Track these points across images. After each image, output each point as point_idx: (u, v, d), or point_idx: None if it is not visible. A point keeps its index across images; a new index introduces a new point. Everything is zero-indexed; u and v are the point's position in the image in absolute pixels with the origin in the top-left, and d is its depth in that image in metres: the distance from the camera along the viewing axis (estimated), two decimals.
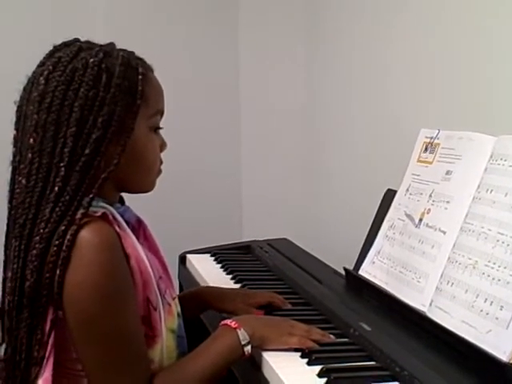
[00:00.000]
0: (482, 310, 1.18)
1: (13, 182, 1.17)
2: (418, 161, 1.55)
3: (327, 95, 2.51)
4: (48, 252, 1.09)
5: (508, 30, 1.54)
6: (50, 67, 1.15)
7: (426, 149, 1.53)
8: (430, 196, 1.45)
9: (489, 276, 1.20)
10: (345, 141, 2.36)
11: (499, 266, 1.18)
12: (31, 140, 1.13)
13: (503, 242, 1.19)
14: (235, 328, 1.21)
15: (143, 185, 1.26)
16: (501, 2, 1.57)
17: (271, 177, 2.81)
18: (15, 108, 1.20)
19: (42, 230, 1.10)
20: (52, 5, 2.60)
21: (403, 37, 1.99)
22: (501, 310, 1.14)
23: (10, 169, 1.19)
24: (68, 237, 1.08)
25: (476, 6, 1.65)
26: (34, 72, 1.19)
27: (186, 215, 2.75)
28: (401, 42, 2.00)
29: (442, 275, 1.33)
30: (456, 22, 1.73)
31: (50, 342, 1.10)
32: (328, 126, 2.50)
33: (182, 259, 2.00)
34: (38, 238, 1.10)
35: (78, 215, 1.10)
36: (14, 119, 1.20)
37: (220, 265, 1.89)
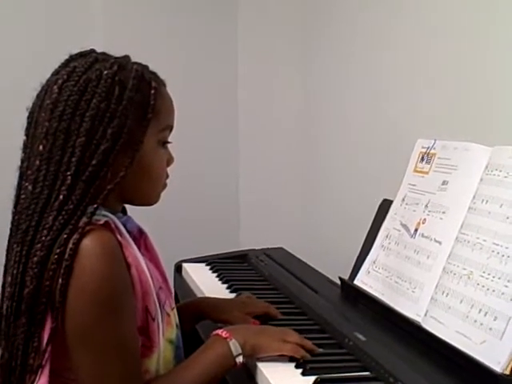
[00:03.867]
0: (476, 321, 1.18)
1: (19, 188, 1.18)
2: (415, 171, 1.55)
3: (324, 104, 2.52)
4: (49, 259, 1.09)
5: (505, 39, 1.55)
6: (65, 76, 1.16)
7: (422, 159, 1.54)
8: (426, 206, 1.45)
9: (483, 287, 1.20)
10: (341, 150, 2.37)
11: (494, 277, 1.18)
12: (40, 147, 1.14)
13: (498, 253, 1.19)
14: (226, 338, 1.21)
15: (148, 198, 1.26)
16: (499, 11, 1.58)
17: (268, 186, 2.81)
18: (26, 114, 1.20)
19: (44, 238, 1.10)
20: (50, 9, 2.61)
21: (400, 46, 1.99)
22: (495, 320, 1.14)
23: (17, 174, 1.19)
24: (70, 245, 1.08)
25: (473, 15, 1.66)
26: (48, 80, 1.20)
27: (183, 223, 2.74)
28: (398, 50, 2.00)
29: (437, 285, 1.32)
30: (453, 31, 1.74)
31: (48, 350, 1.09)
32: (325, 136, 2.51)
33: (178, 268, 2.00)
34: (39, 245, 1.10)
35: (81, 223, 1.10)
36: (25, 125, 1.20)
37: (216, 274, 1.88)
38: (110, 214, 1.17)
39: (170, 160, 1.27)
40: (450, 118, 1.74)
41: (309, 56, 2.62)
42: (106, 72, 1.16)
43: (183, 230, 2.72)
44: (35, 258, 1.10)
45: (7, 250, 1.18)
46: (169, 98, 1.25)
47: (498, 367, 1.10)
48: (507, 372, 1.09)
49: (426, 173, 1.51)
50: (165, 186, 1.27)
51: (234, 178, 2.88)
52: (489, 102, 1.61)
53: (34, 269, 1.10)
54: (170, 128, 1.25)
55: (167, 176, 1.27)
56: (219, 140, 2.86)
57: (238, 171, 2.89)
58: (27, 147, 1.18)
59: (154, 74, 1.24)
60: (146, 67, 1.23)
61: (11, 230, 1.18)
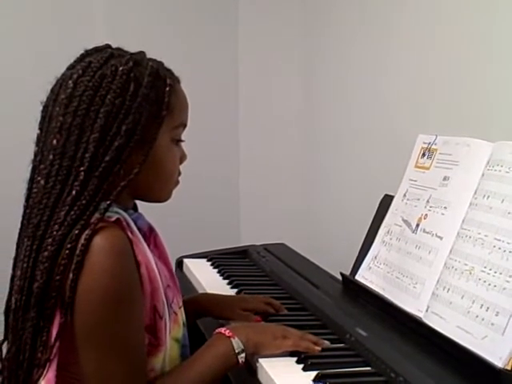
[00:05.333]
0: (477, 316, 1.18)
1: (31, 182, 1.17)
2: (416, 166, 1.55)
3: (325, 100, 2.51)
4: (59, 254, 1.09)
5: (506, 35, 1.54)
6: (80, 71, 1.16)
7: (423, 154, 1.53)
8: (427, 201, 1.45)
9: (485, 282, 1.20)
10: (342, 146, 2.36)
11: (495, 272, 1.18)
12: (54, 141, 1.14)
13: (499, 248, 1.19)
14: (229, 336, 1.21)
15: (160, 194, 1.26)
16: (500, 7, 1.57)
17: (269, 181, 2.81)
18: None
19: (55, 232, 1.10)
20: (52, 6, 2.61)
21: (401, 42, 1.99)
22: (496, 315, 1.14)
23: (30, 167, 1.19)
24: (82, 241, 1.08)
25: (475, 11, 1.66)
26: (63, 74, 1.20)
27: (183, 219, 2.74)
28: (398, 47, 2.00)
29: (438, 281, 1.32)
30: (454, 27, 1.73)
31: (57, 345, 1.09)
32: (326, 132, 2.50)
33: (179, 264, 2.00)
34: (50, 239, 1.10)
35: (93, 219, 1.10)
36: (39, 119, 1.20)
37: (217, 269, 1.88)
38: (121, 211, 1.17)
39: (182, 157, 1.27)
40: (452, 113, 1.74)
41: (309, 53, 2.62)
42: (121, 68, 1.15)
43: (184, 226, 2.72)
44: (46, 253, 1.10)
45: (17, 244, 1.18)
46: (183, 95, 1.25)
47: (499, 362, 1.10)
48: (508, 367, 1.09)
49: (428, 168, 1.50)
50: (177, 183, 1.28)
51: (234, 174, 2.88)
52: (490, 98, 1.60)
53: (45, 263, 1.10)
54: (184, 125, 1.26)
55: (179, 173, 1.27)
56: (220, 136, 2.86)
57: (239, 167, 2.88)
58: (41, 141, 1.18)
59: (169, 70, 1.23)
60: (161, 64, 1.22)
61: (22, 223, 1.18)
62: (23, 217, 1.17)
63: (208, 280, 1.77)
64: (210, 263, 1.96)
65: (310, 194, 2.63)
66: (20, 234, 1.18)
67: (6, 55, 2.51)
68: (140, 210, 1.32)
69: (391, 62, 2.04)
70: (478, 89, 1.64)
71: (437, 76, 1.80)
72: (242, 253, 2.07)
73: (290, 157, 2.74)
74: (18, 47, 2.53)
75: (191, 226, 2.74)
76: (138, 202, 1.28)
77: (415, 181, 1.53)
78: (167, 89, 1.18)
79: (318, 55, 2.56)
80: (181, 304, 1.29)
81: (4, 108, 2.50)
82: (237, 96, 2.85)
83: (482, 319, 1.17)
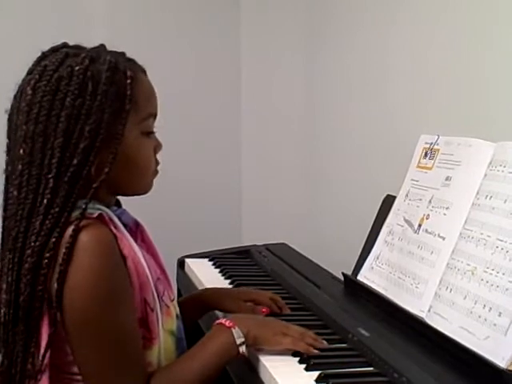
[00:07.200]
0: (480, 317, 1.18)
1: (6, 192, 1.16)
2: (418, 166, 1.55)
3: (327, 101, 2.51)
4: (41, 265, 1.09)
5: (507, 34, 1.54)
6: (37, 76, 1.14)
7: (425, 154, 1.53)
8: (430, 202, 1.45)
9: (487, 282, 1.19)
10: (344, 146, 2.36)
11: (498, 273, 1.18)
12: (21, 151, 1.12)
13: (502, 249, 1.19)
14: (230, 327, 1.21)
15: (138, 187, 1.25)
16: (500, 7, 1.57)
17: (270, 181, 2.81)
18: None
19: (33, 244, 1.10)
20: (52, 6, 2.61)
21: (402, 42, 1.99)
22: (499, 316, 1.14)
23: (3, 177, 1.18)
24: (67, 239, 1.08)
25: (475, 11, 1.66)
26: (22, 80, 1.18)
27: (185, 219, 2.75)
28: (400, 47, 2.00)
29: (440, 281, 1.32)
30: (454, 27, 1.73)
31: (47, 356, 1.09)
32: (327, 132, 2.50)
33: (181, 263, 2.00)
34: (29, 251, 1.10)
35: (73, 218, 1.10)
36: (6, 127, 1.19)
37: (218, 269, 1.88)
38: (103, 207, 1.17)
39: (157, 147, 1.24)
40: (454, 113, 1.73)
41: (311, 54, 2.62)
42: (77, 68, 1.13)
43: (186, 226, 2.72)
44: (27, 265, 1.09)
45: (1, 257, 1.17)
46: (148, 84, 1.21)
47: (502, 363, 1.10)
48: (511, 368, 1.09)
49: (430, 168, 1.50)
50: (156, 173, 1.25)
51: (236, 174, 2.88)
52: (493, 98, 1.60)
53: (27, 275, 1.09)
54: (154, 116, 1.22)
55: (157, 163, 1.25)
56: (222, 136, 2.86)
57: (241, 167, 2.89)
58: (10, 150, 1.17)
59: (131, 60, 1.20)
60: (121, 55, 1.19)
61: (3, 235, 1.17)
62: (2, 228, 1.17)
63: (210, 280, 1.76)
64: (211, 263, 1.96)
65: (311, 194, 2.63)
66: (2, 247, 1.17)
67: (5, 55, 2.51)
68: (141, 210, 1.31)
69: (393, 62, 2.04)
70: (480, 89, 1.64)
71: (438, 76, 1.80)
72: (244, 253, 2.07)
73: (292, 156, 2.74)
74: (17, 47, 2.53)
75: (193, 226, 2.74)
76: (133, 200, 1.27)
77: (417, 181, 1.53)
78: (128, 81, 1.15)
79: (319, 55, 2.55)
80: (173, 297, 1.29)
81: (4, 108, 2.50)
82: (239, 96, 2.85)
83: (485, 320, 1.17)
